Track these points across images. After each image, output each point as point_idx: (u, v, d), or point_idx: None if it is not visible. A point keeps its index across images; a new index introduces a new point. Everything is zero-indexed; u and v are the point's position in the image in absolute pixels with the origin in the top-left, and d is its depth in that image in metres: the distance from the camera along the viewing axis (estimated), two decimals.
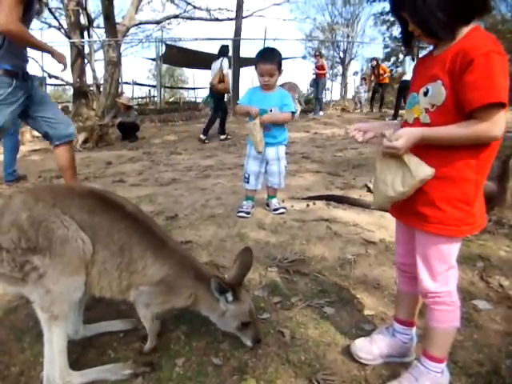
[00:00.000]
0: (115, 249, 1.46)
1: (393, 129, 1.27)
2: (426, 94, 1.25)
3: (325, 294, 2.02)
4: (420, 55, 1.49)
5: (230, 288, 1.51)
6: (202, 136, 8.04)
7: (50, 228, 1.37)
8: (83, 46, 14.19)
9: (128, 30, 15.20)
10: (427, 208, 1.27)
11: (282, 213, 3.17)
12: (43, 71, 13.44)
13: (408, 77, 9.78)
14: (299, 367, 1.52)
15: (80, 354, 1.61)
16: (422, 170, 1.21)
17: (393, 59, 22.47)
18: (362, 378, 1.48)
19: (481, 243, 2.55)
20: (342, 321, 1.81)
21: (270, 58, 3.00)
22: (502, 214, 2.92)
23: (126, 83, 17.34)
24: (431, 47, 1.33)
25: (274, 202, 3.25)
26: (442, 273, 1.31)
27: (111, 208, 1.51)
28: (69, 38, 14.38)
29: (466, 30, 1.20)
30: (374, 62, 12.74)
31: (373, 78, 13.09)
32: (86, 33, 14.80)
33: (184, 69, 29.74)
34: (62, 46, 15.07)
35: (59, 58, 2.99)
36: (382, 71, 12.41)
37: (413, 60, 9.44)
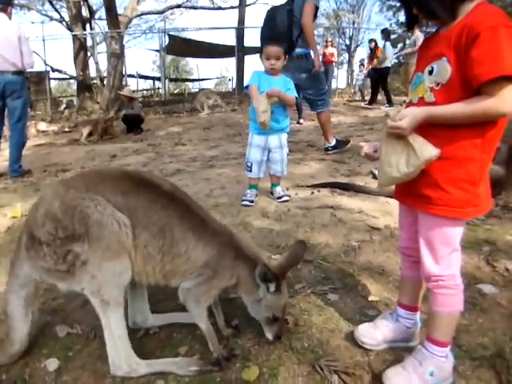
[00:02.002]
0: (155, 230, 1.41)
1: (397, 109, 1.24)
2: (430, 72, 1.23)
3: (328, 280, 2.01)
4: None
5: (275, 279, 1.44)
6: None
7: (84, 213, 1.33)
8: (85, 39, 14.17)
9: (130, 21, 15.10)
10: (431, 190, 1.25)
11: (286, 200, 3.16)
12: (46, 65, 13.43)
13: (388, 63, 9.81)
14: (302, 354, 1.52)
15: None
16: (427, 151, 1.18)
17: (400, 45, 22.07)
18: (365, 363, 1.47)
19: (487, 228, 2.52)
20: (345, 307, 1.80)
21: (276, 40, 3.01)
22: (509, 199, 2.89)
23: (131, 76, 17.29)
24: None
25: (278, 190, 3.24)
26: (445, 256, 1.29)
27: (146, 188, 1.46)
28: (70, 30, 14.37)
29: (471, 6, 1.17)
30: (373, 44, 11.65)
31: (371, 61, 11.76)
32: (87, 25, 14.76)
33: (188, 59, 29.59)
34: (64, 38, 15.02)
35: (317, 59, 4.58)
36: (379, 54, 11.73)
37: (393, 46, 9.36)
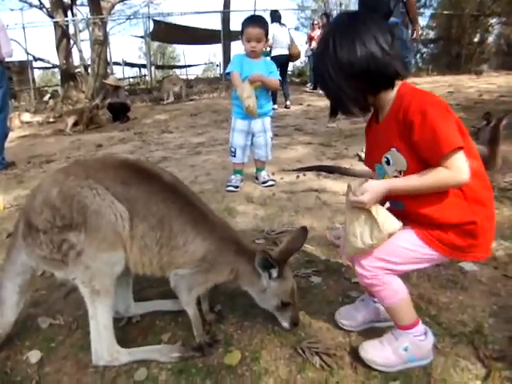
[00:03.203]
0: (154, 222, 1.40)
1: (359, 182, 1.24)
2: (388, 163, 1.27)
3: (312, 263, 2.02)
4: None
5: (277, 264, 1.42)
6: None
7: (83, 203, 1.33)
8: (67, 26, 13.72)
9: (113, 6, 14.69)
10: (432, 226, 1.25)
11: (271, 185, 3.15)
12: (27, 53, 13.06)
13: None
14: (284, 337, 1.52)
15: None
16: (390, 224, 1.21)
17: None
18: (346, 344, 1.48)
19: None
20: (328, 289, 1.81)
21: (257, 22, 2.95)
22: (492, 178, 2.88)
23: (116, 63, 16.93)
24: None
25: (263, 175, 3.22)
26: (395, 263, 1.28)
27: (147, 179, 1.45)
28: (51, 17, 13.91)
29: (393, 93, 1.23)
30: (324, 20, 10.14)
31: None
32: (69, 11, 14.32)
33: (175, 46, 29.06)
34: (45, 26, 14.55)
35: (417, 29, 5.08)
36: None
37: None
